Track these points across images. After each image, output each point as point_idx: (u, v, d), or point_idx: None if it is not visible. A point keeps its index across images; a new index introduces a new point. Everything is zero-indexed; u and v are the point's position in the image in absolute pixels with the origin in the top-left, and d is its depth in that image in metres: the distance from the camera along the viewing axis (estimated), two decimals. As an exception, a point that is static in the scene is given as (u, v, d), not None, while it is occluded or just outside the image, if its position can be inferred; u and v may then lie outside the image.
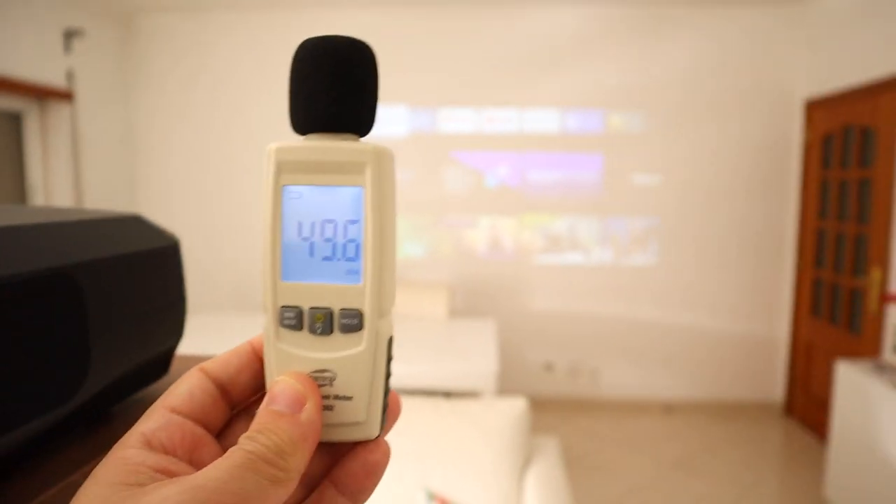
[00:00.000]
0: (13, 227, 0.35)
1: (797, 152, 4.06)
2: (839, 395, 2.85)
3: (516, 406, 2.29)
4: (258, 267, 3.53)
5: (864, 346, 3.32)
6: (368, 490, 0.28)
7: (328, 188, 0.28)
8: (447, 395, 2.73)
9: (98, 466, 0.24)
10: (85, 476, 0.37)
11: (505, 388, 3.78)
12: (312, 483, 0.29)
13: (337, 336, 0.28)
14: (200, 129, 4.41)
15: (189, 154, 4.43)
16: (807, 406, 3.93)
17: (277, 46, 4.26)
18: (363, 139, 0.29)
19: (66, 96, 3.76)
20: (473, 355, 2.98)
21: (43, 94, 3.63)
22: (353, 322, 0.28)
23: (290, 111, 0.29)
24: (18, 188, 3.67)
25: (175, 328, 0.48)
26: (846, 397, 2.80)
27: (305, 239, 0.29)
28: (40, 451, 0.39)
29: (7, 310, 0.32)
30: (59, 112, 3.79)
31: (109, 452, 0.25)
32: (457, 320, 3.71)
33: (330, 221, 0.28)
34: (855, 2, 3.47)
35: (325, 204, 0.28)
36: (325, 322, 0.28)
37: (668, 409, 4.25)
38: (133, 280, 0.43)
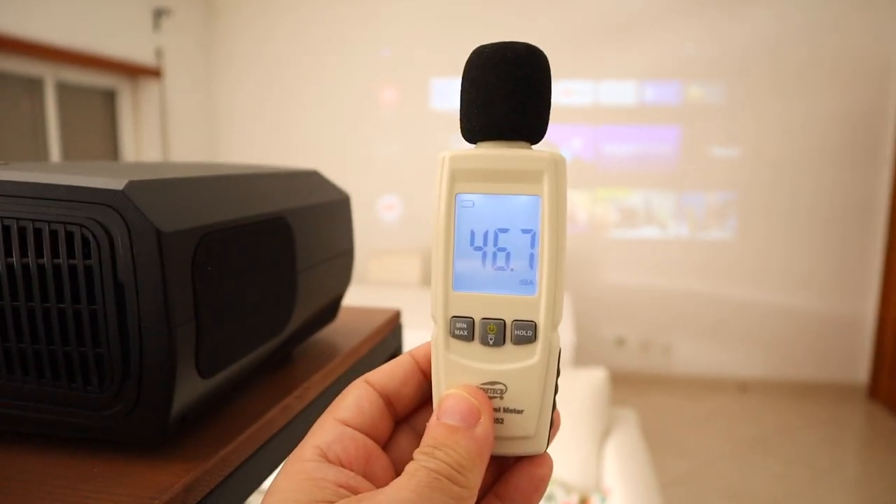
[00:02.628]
0: (248, 174, 0.39)
1: (891, 121, 3.86)
2: (932, 377, 2.74)
3: (596, 377, 2.31)
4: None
5: (961, 327, 3.17)
6: (534, 503, 0.28)
7: (502, 197, 0.28)
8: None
9: (279, 478, 0.25)
10: (281, 411, 0.41)
11: (577, 361, 3.78)
12: (477, 497, 0.27)
13: (509, 347, 0.28)
14: (279, 105, 4.52)
15: (268, 129, 4.57)
16: (894, 389, 3.79)
17: (359, 23, 4.31)
18: (535, 146, 0.29)
19: (155, 73, 3.93)
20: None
21: (134, 72, 3.80)
22: (527, 334, 0.28)
23: (462, 118, 0.29)
24: (113, 160, 3.87)
25: (346, 275, 0.53)
26: (940, 379, 2.69)
27: (478, 248, 0.28)
28: (254, 378, 0.43)
29: (247, 246, 0.37)
30: (149, 88, 3.96)
31: (286, 464, 0.25)
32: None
33: (504, 231, 0.28)
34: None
35: (499, 212, 0.28)
36: (497, 333, 0.28)
37: (743, 387, 4.16)
38: (321, 227, 0.47)
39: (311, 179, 0.49)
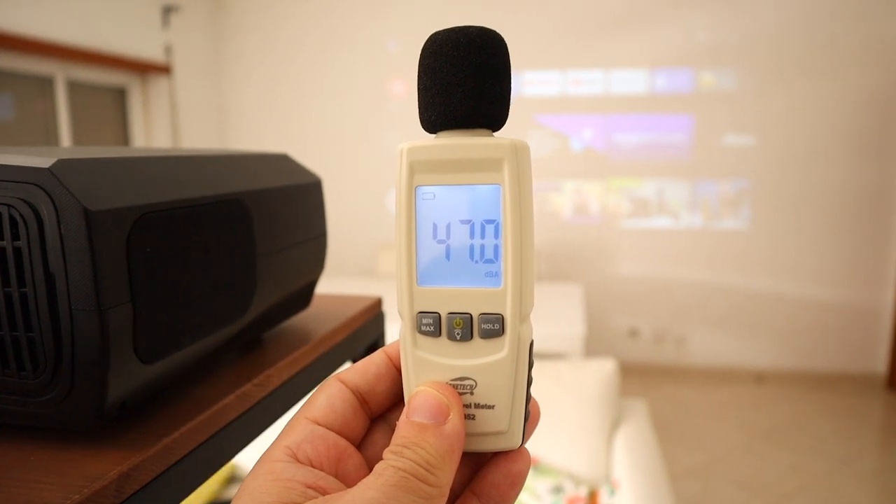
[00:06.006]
0: (198, 156, 0.38)
1: (908, 108, 3.78)
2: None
3: (605, 368, 2.28)
4: (342, 233, 3.64)
5: (981, 315, 3.10)
6: (511, 499, 0.28)
7: (464, 187, 0.27)
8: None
9: (248, 479, 0.24)
10: (238, 399, 0.40)
11: (589, 353, 3.75)
12: (453, 495, 0.27)
13: (477, 342, 0.27)
14: (289, 99, 4.52)
15: (278, 123, 4.57)
16: (912, 378, 3.72)
17: (367, 16, 4.30)
18: (496, 133, 0.28)
19: (164, 70, 3.94)
20: (560, 318, 2.98)
21: (144, 69, 3.82)
22: (494, 327, 0.27)
23: (420, 109, 0.28)
24: (124, 158, 3.89)
25: (318, 261, 0.51)
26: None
27: (441, 241, 0.28)
28: (214, 364, 0.42)
29: (194, 228, 0.36)
30: (159, 85, 3.98)
31: (256, 465, 0.25)
32: (542, 284, 3.71)
33: (466, 222, 0.27)
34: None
35: (461, 204, 0.27)
36: (464, 328, 0.27)
37: (759, 378, 4.11)
38: (287, 210, 0.46)
39: (279, 163, 0.48)
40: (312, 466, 0.25)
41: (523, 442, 0.28)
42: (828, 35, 3.79)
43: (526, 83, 4.14)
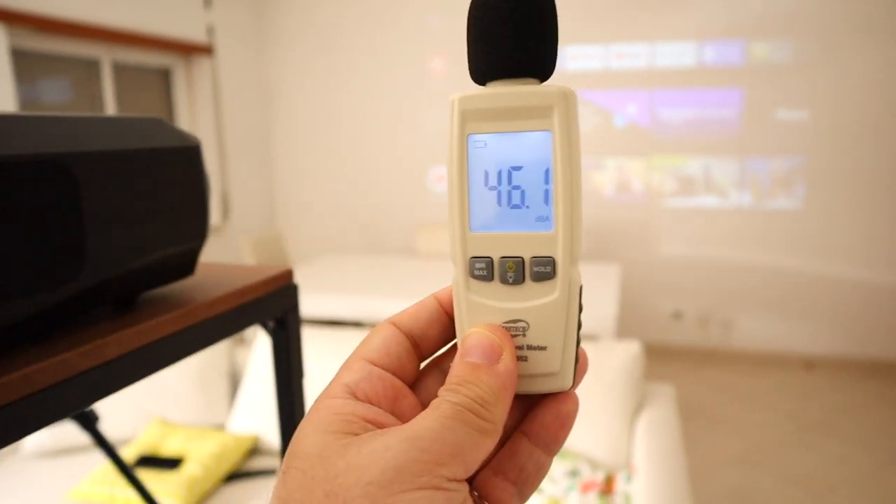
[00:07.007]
0: (14, 115, 0.37)
1: (982, 79, 3.50)
2: None
3: (630, 349, 2.22)
4: (382, 212, 3.64)
5: None
6: (561, 440, 0.29)
7: (514, 135, 0.28)
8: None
9: (310, 413, 0.25)
10: (56, 366, 0.39)
11: (630, 334, 3.66)
12: (504, 435, 0.28)
13: (529, 285, 0.28)
14: (330, 77, 4.54)
15: (320, 101, 4.60)
16: (979, 368, 3.49)
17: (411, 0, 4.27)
18: (544, 83, 0.29)
19: (207, 51, 4.01)
20: (594, 298, 2.91)
21: (188, 50, 3.89)
22: (545, 270, 0.28)
23: (469, 60, 0.29)
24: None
25: (196, 230, 0.49)
26: None
27: (493, 188, 0.28)
28: (62, 322, 0.41)
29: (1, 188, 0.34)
30: (202, 66, 4.06)
31: (316, 401, 0.26)
32: (580, 264, 3.63)
33: (517, 168, 0.28)
34: None
35: (512, 151, 0.28)
36: (516, 271, 0.28)
37: (809, 365, 3.93)
38: (140, 176, 0.44)
39: (141, 127, 0.46)
40: (371, 404, 0.26)
41: (573, 385, 0.29)
42: (887, 5, 3.53)
43: (568, 58, 4.03)
